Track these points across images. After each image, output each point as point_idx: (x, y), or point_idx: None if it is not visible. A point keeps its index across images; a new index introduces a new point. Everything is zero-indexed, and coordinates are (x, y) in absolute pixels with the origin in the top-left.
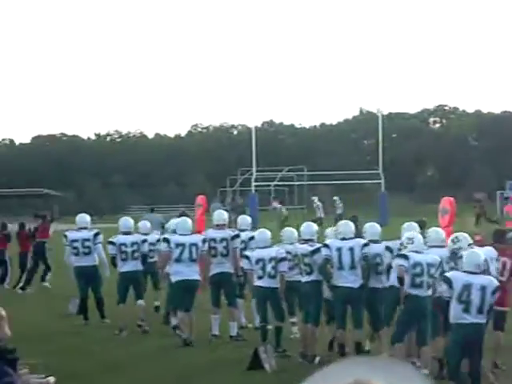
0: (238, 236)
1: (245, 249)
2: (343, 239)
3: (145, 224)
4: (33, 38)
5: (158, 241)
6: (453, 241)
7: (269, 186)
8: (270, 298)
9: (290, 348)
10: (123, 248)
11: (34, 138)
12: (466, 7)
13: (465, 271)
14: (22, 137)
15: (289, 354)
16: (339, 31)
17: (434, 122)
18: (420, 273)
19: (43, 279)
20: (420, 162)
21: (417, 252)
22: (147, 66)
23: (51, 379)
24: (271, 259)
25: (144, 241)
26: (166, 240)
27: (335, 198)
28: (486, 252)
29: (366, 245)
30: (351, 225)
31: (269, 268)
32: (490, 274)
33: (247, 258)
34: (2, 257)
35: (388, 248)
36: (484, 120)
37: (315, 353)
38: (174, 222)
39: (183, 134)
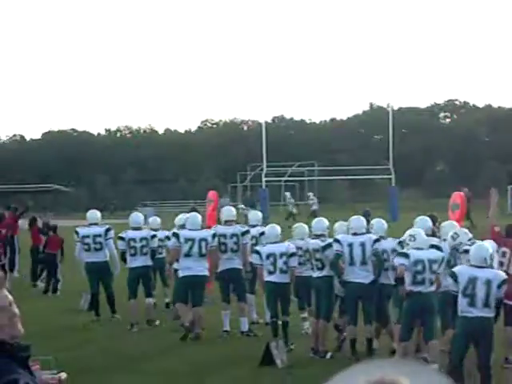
0: (248, 232)
1: (256, 244)
2: (355, 234)
3: (155, 219)
4: (45, 34)
5: (167, 237)
6: (452, 237)
7: (279, 181)
8: (280, 293)
9: (300, 343)
10: (132, 243)
11: (44, 134)
12: (476, 1)
13: (471, 265)
14: (33, 133)
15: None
16: (349, 26)
17: (444, 117)
18: (421, 270)
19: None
20: (430, 156)
21: (418, 249)
22: (158, 61)
23: (63, 375)
24: (282, 254)
25: (153, 236)
26: (176, 235)
27: (309, 193)
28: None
29: (377, 240)
30: (363, 220)
31: (280, 263)
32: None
33: (258, 253)
34: (12, 242)
35: (401, 243)
36: (494, 115)
37: (326, 348)
38: (182, 217)
39: (193, 129)
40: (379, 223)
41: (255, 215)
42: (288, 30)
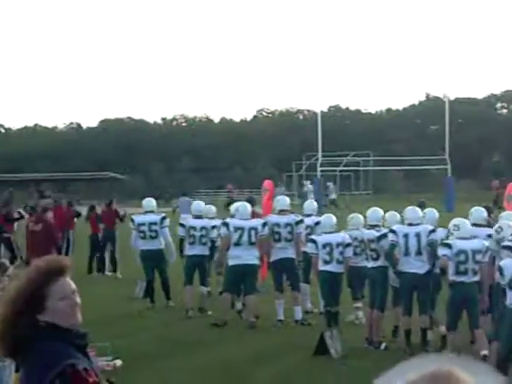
0: (301, 221)
1: (310, 234)
2: (410, 225)
3: (210, 208)
4: (103, 21)
5: (213, 227)
6: (496, 231)
7: (334, 171)
8: (335, 283)
9: (355, 333)
10: (192, 231)
11: (101, 122)
12: None
13: None
14: (90, 121)
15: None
16: (407, 15)
17: (501, 108)
18: (464, 260)
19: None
20: (486, 147)
21: (462, 239)
22: (215, 50)
23: (118, 362)
24: (338, 244)
25: (213, 227)
26: (225, 224)
27: (328, 183)
28: None
29: (432, 231)
30: (418, 210)
31: (336, 253)
32: None
33: (314, 242)
34: (67, 234)
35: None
36: None
37: (381, 339)
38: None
39: (249, 118)
40: (431, 213)
41: (310, 205)
42: (346, 19)
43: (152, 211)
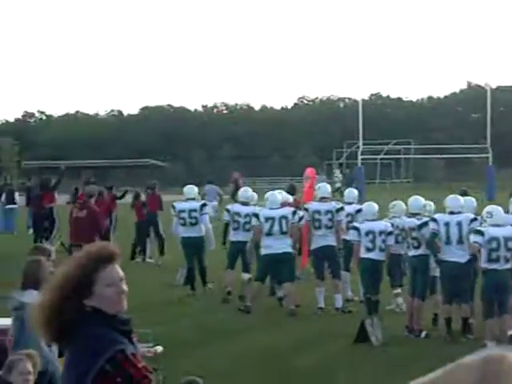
0: (342, 209)
1: (351, 222)
2: (451, 213)
3: (253, 196)
4: (141, 10)
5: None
6: None
7: (375, 159)
8: (376, 271)
9: (395, 321)
10: (236, 217)
11: (141, 109)
12: None
13: None
14: (131, 108)
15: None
16: (447, 3)
17: None
18: (496, 247)
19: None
20: None
21: (495, 226)
22: (257, 37)
23: (159, 348)
24: (381, 232)
25: (255, 214)
26: (255, 215)
27: (335, 170)
28: None
29: (474, 219)
30: (460, 199)
31: (379, 241)
32: None
33: (356, 229)
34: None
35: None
36: None
37: (421, 327)
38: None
39: (290, 106)
40: (469, 202)
41: (351, 192)
42: (388, 5)
43: (193, 198)
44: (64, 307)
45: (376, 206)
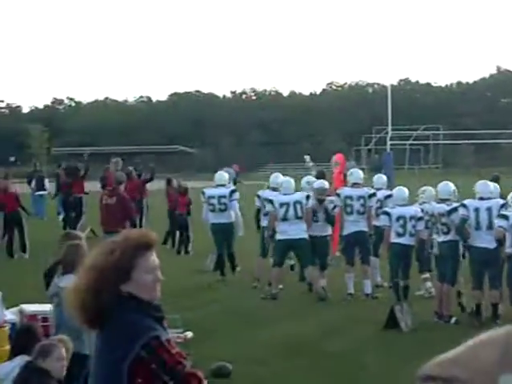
0: (374, 194)
1: (381, 207)
2: (481, 199)
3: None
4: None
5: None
6: None
7: (404, 144)
8: (406, 256)
9: (425, 307)
10: (266, 203)
11: (170, 96)
12: None
13: None
14: (159, 94)
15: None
16: None
17: None
18: None
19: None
20: None
21: None
22: (283, 23)
23: (189, 334)
24: (411, 217)
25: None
26: (270, 201)
27: (305, 156)
28: None
29: (503, 205)
30: (489, 184)
31: (409, 226)
32: None
33: (388, 214)
34: (140, 204)
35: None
36: None
37: (451, 313)
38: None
39: (318, 92)
40: (495, 188)
41: (380, 178)
42: None
43: (223, 185)
44: (100, 291)
45: (406, 191)
